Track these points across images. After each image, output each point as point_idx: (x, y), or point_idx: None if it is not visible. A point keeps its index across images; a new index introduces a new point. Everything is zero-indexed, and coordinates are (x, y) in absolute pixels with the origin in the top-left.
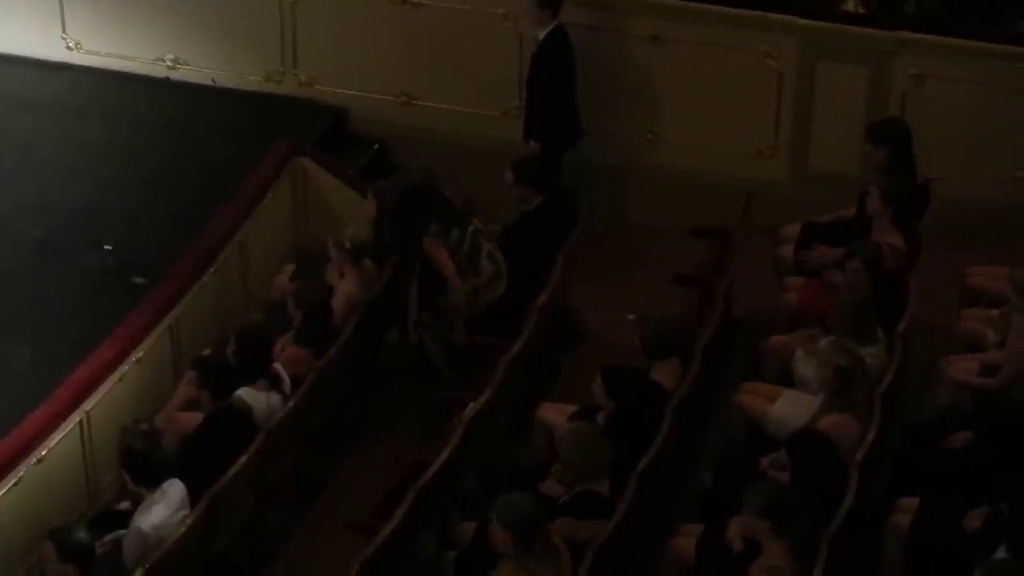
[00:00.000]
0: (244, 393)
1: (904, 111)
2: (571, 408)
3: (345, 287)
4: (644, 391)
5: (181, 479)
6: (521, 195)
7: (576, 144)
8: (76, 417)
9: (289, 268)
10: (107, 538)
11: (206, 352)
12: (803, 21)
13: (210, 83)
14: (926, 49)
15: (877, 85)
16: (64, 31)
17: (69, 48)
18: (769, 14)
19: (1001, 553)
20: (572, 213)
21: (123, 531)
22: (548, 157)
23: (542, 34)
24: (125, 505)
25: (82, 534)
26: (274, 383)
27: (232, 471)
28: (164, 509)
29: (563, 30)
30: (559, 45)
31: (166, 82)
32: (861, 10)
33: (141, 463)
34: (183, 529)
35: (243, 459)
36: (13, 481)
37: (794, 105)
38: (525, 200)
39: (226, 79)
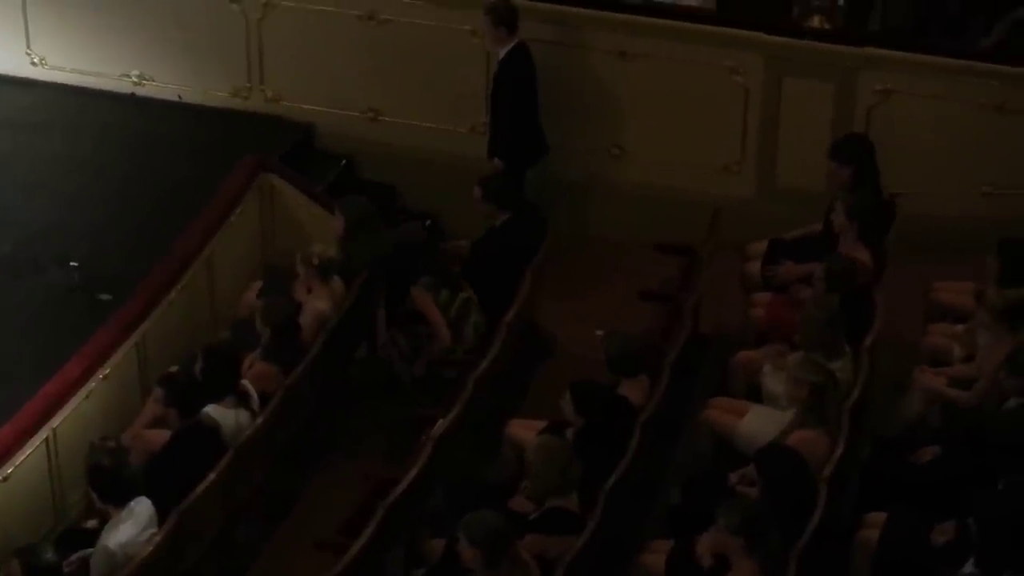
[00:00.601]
0: (212, 410)
1: (869, 127)
2: (540, 424)
3: (314, 304)
4: (613, 407)
5: (149, 497)
6: (487, 211)
7: (540, 161)
8: (43, 434)
9: (256, 285)
10: (74, 557)
11: (173, 369)
12: (769, 37)
13: (176, 99)
14: (891, 65)
15: (843, 101)
16: (29, 47)
17: (34, 64)
18: (735, 30)
19: (969, 568)
20: (539, 229)
21: (90, 550)
22: (512, 174)
23: (502, 52)
24: (92, 523)
25: (49, 554)
26: (242, 400)
27: (200, 488)
28: (131, 527)
29: (524, 47)
30: (520, 62)
31: (132, 98)
32: (826, 26)
33: (108, 481)
34: (150, 547)
35: (211, 476)
36: None
37: (760, 121)
38: (491, 216)
39: (192, 95)
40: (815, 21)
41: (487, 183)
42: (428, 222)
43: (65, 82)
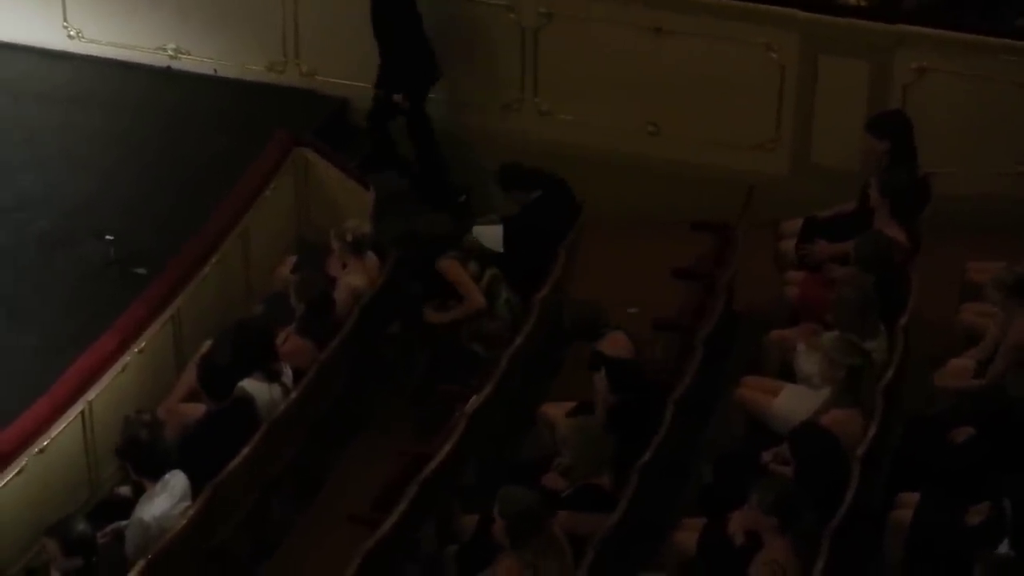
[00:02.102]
0: (247, 384)
1: (905, 104)
2: (571, 405)
3: (348, 279)
4: (646, 386)
5: (183, 470)
6: (517, 199)
7: (435, 84)
8: (78, 407)
9: (291, 259)
10: (108, 528)
11: (205, 347)
12: (804, 14)
13: (212, 73)
14: (927, 43)
15: (878, 79)
16: (65, 20)
17: (70, 37)
18: (771, 7)
19: (1003, 548)
20: (570, 205)
21: (124, 522)
22: (414, 105)
23: None
24: (125, 490)
25: (81, 526)
26: (276, 375)
27: (234, 463)
28: (166, 500)
29: None
30: None
31: (167, 71)
32: (862, 3)
33: (143, 454)
34: (184, 521)
35: (245, 451)
36: (16, 471)
37: (796, 99)
38: (522, 201)
39: (227, 69)
40: None
41: (503, 177)
42: (463, 196)
43: (101, 55)
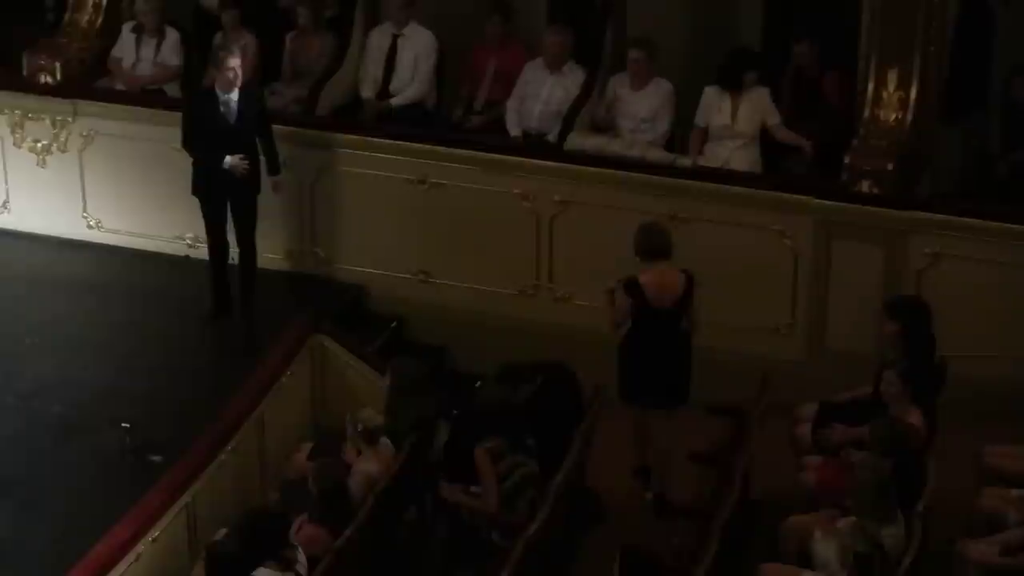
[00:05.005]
0: (260, 573)
1: (919, 289)
2: None
3: (363, 466)
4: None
5: None
6: (524, 392)
7: None
8: None
9: (307, 446)
10: None
11: (220, 537)
12: (818, 202)
13: (230, 261)
14: (940, 229)
15: (892, 264)
16: (85, 210)
17: (90, 227)
18: (784, 194)
19: None
20: (572, 387)
21: None
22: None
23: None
24: None
25: None
26: (290, 564)
27: None
28: None
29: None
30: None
31: (186, 260)
32: (875, 190)
33: None
34: None
35: None
36: None
37: (810, 284)
38: (528, 392)
39: None
40: (863, 185)
41: (504, 380)
42: (478, 383)
43: (120, 244)
